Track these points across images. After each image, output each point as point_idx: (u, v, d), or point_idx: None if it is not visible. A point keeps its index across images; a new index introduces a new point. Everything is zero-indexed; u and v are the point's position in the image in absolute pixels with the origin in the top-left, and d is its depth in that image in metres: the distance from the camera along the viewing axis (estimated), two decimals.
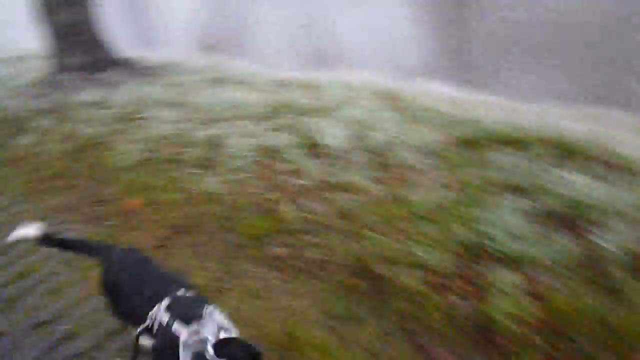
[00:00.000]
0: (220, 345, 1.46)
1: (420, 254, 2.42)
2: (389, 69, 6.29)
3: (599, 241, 2.32)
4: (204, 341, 1.50)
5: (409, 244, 2.45)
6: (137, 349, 1.75)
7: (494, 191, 2.74)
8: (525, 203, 2.63)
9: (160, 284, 1.85)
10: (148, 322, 1.70)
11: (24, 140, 4.56)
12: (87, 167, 3.98)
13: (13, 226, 2.09)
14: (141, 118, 4.53)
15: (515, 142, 3.20)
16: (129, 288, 1.86)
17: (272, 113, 4.15)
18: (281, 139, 3.62)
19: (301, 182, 3.20)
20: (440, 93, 4.33)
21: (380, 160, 3.27)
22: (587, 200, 2.56)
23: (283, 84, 5.03)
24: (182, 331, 1.57)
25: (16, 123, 4.92)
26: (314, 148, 3.49)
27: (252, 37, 10.65)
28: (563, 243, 2.34)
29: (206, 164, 3.55)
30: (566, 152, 3.04)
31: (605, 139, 3.05)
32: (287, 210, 2.90)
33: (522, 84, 6.25)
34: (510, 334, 1.98)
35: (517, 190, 2.75)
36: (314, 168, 3.26)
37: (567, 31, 7.28)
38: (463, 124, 3.48)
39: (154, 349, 1.71)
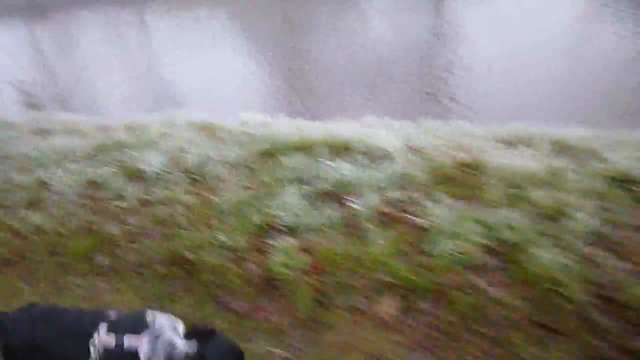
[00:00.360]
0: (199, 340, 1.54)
1: (223, 239, 3.13)
2: (224, 106, 7.19)
3: (354, 206, 3.26)
4: (172, 344, 1.52)
5: (214, 233, 3.17)
6: None
7: (282, 184, 3.64)
8: (304, 189, 3.50)
9: (82, 319, 1.75)
10: (93, 355, 1.60)
11: None
12: None
13: None
14: None
15: (302, 148, 4.14)
16: (51, 339, 1.70)
17: (96, 152, 4.59)
18: (104, 172, 4.09)
19: (124, 204, 3.71)
20: (256, 120, 5.21)
21: (193, 176, 3.94)
22: (347, 179, 3.52)
23: (109, 129, 5.47)
24: (139, 343, 1.57)
25: None
26: (134, 175, 4.03)
27: (90, 90, 10.86)
28: (329, 212, 3.25)
29: (33, 203, 3.86)
30: (339, 149, 4.07)
31: (371, 138, 4.15)
32: (110, 227, 3.40)
33: (352, 105, 7.71)
34: (289, 280, 2.76)
35: (300, 181, 3.64)
36: (134, 191, 3.80)
37: (389, 64, 9.17)
38: (264, 140, 4.34)
39: None
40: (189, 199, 3.65)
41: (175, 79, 11.29)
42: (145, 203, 3.70)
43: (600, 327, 2.27)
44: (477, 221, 2.95)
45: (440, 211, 3.08)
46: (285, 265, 2.82)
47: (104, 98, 10.89)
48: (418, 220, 3.07)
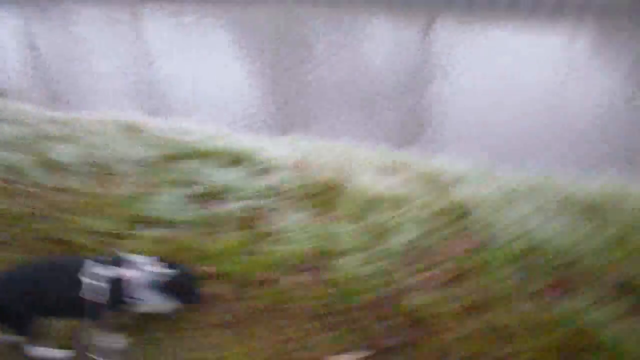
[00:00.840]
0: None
1: (98, 224, 3.71)
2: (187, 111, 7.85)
3: (219, 208, 3.99)
4: (154, 270, 2.34)
5: (91, 220, 3.73)
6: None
7: (169, 185, 4.26)
8: (185, 191, 4.11)
9: (68, 261, 2.50)
10: (84, 285, 2.25)
11: None
12: None
13: None
14: None
15: (202, 155, 4.77)
16: (47, 283, 2.28)
17: (23, 141, 5.20)
18: (22, 160, 4.68)
19: (32, 189, 4.30)
20: (185, 127, 5.87)
21: (100, 170, 4.54)
22: (224, 186, 4.14)
23: (50, 121, 6.08)
24: (121, 272, 2.28)
25: None
26: (49, 164, 4.63)
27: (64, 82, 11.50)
28: (197, 211, 3.88)
29: None
30: (236, 160, 4.80)
31: (269, 153, 4.89)
32: (14, 209, 3.99)
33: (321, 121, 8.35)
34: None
35: (185, 184, 4.24)
36: (44, 178, 4.39)
37: (375, 87, 9.92)
38: (174, 146, 4.96)
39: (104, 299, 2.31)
40: (87, 189, 4.23)
41: (154, 78, 11.90)
42: (51, 189, 4.27)
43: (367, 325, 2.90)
44: (313, 230, 3.56)
45: (289, 220, 3.69)
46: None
47: (74, 91, 11.51)
48: (265, 226, 3.66)
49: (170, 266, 2.49)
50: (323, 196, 4.03)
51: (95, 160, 4.64)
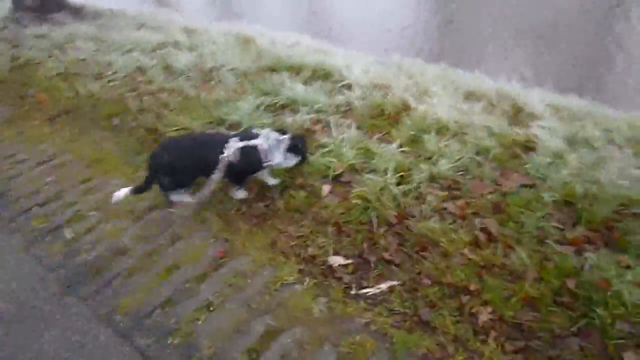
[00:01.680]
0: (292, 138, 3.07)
1: (187, 121, 4.46)
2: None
3: (289, 118, 4.32)
4: (279, 138, 3.05)
5: (185, 117, 4.46)
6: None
7: (256, 94, 4.73)
8: (265, 99, 4.64)
9: (216, 135, 3.43)
10: (228, 154, 2.97)
11: None
12: (22, 77, 6.08)
13: None
14: (70, 47, 6.59)
15: (293, 69, 5.20)
16: (202, 151, 3.10)
17: (157, 47, 6.19)
18: (150, 62, 5.65)
19: (150, 87, 5.24)
20: (295, 42, 6.34)
21: (204, 76, 5.29)
22: (298, 96, 4.57)
23: (186, 30, 7.03)
24: (258, 142, 2.98)
25: None
26: (168, 68, 5.53)
27: None
28: (270, 116, 4.36)
29: (96, 76, 5.61)
30: (321, 75, 5.05)
31: (350, 71, 5.03)
32: (131, 102, 4.92)
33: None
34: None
35: (267, 93, 4.77)
36: (160, 79, 5.29)
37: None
38: (273, 58, 5.47)
39: (240, 167, 3.07)
40: (188, 92, 4.99)
41: None
42: (163, 89, 5.15)
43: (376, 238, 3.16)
44: (360, 149, 3.76)
45: (346, 135, 3.93)
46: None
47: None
48: (322, 138, 3.98)
49: (285, 133, 3.15)
50: (387, 118, 4.12)
51: (203, 68, 5.27)
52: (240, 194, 3.36)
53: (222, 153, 2.93)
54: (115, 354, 2.51)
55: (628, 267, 2.58)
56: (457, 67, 5.44)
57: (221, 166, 2.94)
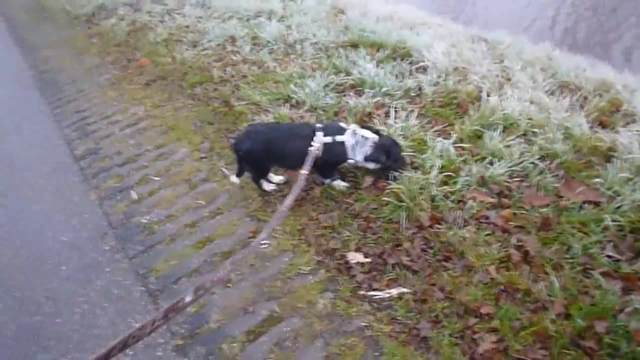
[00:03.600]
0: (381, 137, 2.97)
1: (257, 97, 4.71)
2: None
3: (364, 98, 4.27)
4: (368, 138, 2.94)
5: (256, 92, 4.67)
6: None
7: (327, 71, 4.75)
8: (336, 78, 4.70)
9: (304, 127, 3.15)
10: (315, 148, 2.92)
11: (109, 21, 7.52)
12: (135, 40, 6.78)
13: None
14: (179, 13, 7.16)
15: (375, 46, 5.17)
16: (283, 139, 3.09)
17: (253, 16, 6.47)
18: (241, 32, 5.94)
19: (235, 57, 5.57)
20: (391, 16, 6.21)
21: (286, 49, 5.48)
22: (366, 76, 4.57)
23: None
24: (345, 138, 2.94)
25: (109, 11, 7.94)
26: (254, 39, 5.79)
27: None
28: (335, 97, 4.39)
29: (193, 44, 6.07)
30: (401, 54, 4.91)
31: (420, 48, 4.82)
32: (215, 72, 5.24)
33: None
34: None
35: (340, 71, 4.83)
36: (246, 51, 5.58)
37: None
38: (357, 33, 5.48)
39: (325, 161, 3.05)
40: (269, 65, 5.18)
41: None
42: (247, 61, 5.43)
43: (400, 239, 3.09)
44: (414, 140, 3.66)
45: (404, 122, 3.83)
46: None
47: None
48: (377, 123, 3.89)
49: (378, 134, 3.12)
50: (455, 107, 3.94)
51: (286, 40, 5.42)
52: (340, 185, 3.31)
53: (306, 147, 2.95)
54: (141, 311, 2.84)
55: None
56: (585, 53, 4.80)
57: (309, 160, 2.88)
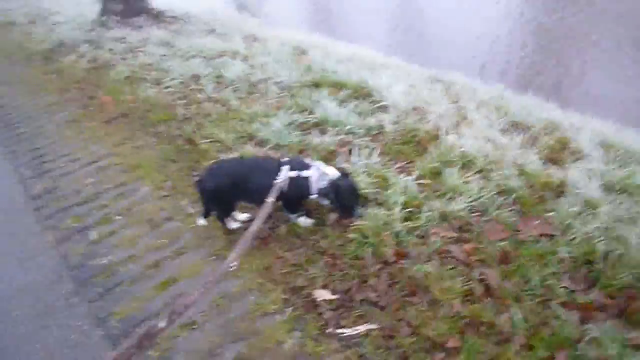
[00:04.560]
0: (341, 176, 2.95)
1: (222, 135, 4.73)
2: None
3: (328, 136, 4.36)
4: (327, 174, 2.96)
5: (220, 130, 4.71)
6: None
7: (290, 110, 4.86)
8: (300, 117, 4.78)
9: (268, 164, 3.12)
10: (281, 181, 2.92)
11: (69, 58, 7.43)
12: (96, 78, 6.72)
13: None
14: (141, 51, 7.16)
15: (332, 85, 5.30)
16: (251, 177, 3.07)
17: (217, 55, 6.55)
18: (204, 71, 6.00)
19: (199, 96, 5.59)
20: (350, 53, 6.43)
21: (249, 88, 5.55)
22: (330, 116, 4.66)
23: (252, 38, 7.37)
24: (309, 174, 2.95)
25: (69, 47, 7.86)
26: (219, 79, 5.85)
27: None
28: (299, 135, 4.46)
29: (156, 82, 6.07)
30: (360, 94, 5.09)
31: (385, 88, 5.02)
32: (178, 110, 5.26)
33: None
34: None
35: (303, 110, 4.91)
36: (210, 89, 5.62)
37: None
38: (319, 73, 5.61)
39: (290, 195, 3.06)
40: (233, 103, 5.25)
41: None
42: (211, 99, 5.46)
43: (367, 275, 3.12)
44: (377, 177, 3.74)
45: (366, 160, 3.94)
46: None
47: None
48: (342, 162, 3.99)
49: (344, 173, 3.12)
50: (415, 145, 4.05)
51: (250, 80, 5.50)
52: (304, 222, 3.33)
53: (272, 180, 2.97)
54: (101, 358, 2.69)
55: (638, 347, 2.30)
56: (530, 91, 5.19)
57: (273, 191, 2.90)
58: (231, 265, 2.47)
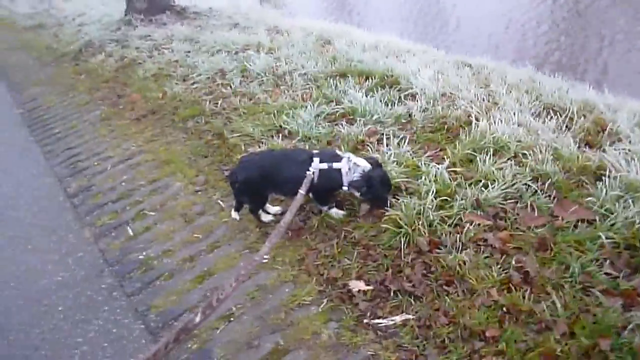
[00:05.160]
0: (373, 168, 2.92)
1: (249, 129, 4.76)
2: None
3: (356, 126, 4.31)
4: (359, 166, 2.90)
5: (248, 124, 4.73)
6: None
7: (318, 101, 4.81)
8: (327, 108, 4.78)
9: (300, 154, 3.13)
10: (311, 174, 2.91)
11: (97, 58, 7.58)
12: (124, 76, 6.84)
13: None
14: (167, 48, 7.26)
15: (358, 74, 5.27)
16: (280, 166, 3.10)
17: (241, 49, 6.59)
18: (230, 65, 6.04)
19: (226, 90, 5.64)
20: (378, 42, 6.37)
21: (275, 80, 5.56)
22: (357, 105, 4.65)
23: (275, 30, 7.38)
24: (341, 165, 2.93)
25: (96, 47, 8.02)
26: (245, 72, 5.89)
27: None
28: (327, 126, 4.43)
29: (183, 78, 6.15)
30: (390, 83, 5.00)
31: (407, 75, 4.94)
32: (207, 105, 5.29)
33: None
34: None
35: (331, 101, 4.90)
36: (237, 83, 5.65)
37: None
38: (344, 63, 5.59)
39: (321, 187, 3.06)
40: (259, 96, 5.28)
41: None
42: (238, 93, 5.49)
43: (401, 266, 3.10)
44: (408, 166, 3.70)
45: (395, 150, 3.88)
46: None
47: None
48: (370, 151, 3.94)
49: (376, 163, 3.11)
50: (446, 132, 4.01)
51: (275, 72, 5.51)
52: (338, 213, 3.31)
53: (303, 172, 2.96)
54: (143, 350, 2.77)
55: None
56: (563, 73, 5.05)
57: (306, 182, 2.88)
58: (264, 258, 2.48)
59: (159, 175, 4.27)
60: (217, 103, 5.09)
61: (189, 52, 6.61)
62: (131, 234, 3.62)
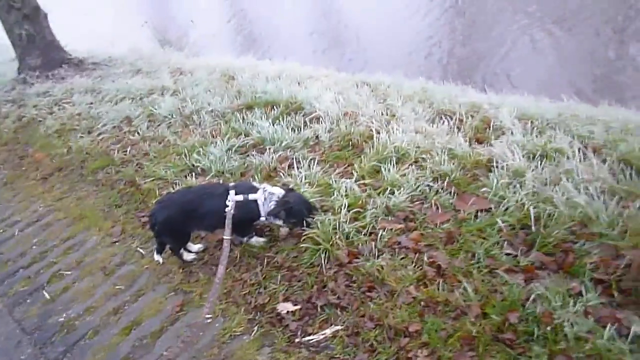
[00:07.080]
0: (286, 193, 3.00)
1: (162, 172, 4.65)
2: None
3: (267, 155, 4.37)
4: (274, 194, 2.99)
5: (160, 167, 4.63)
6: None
7: (227, 136, 4.85)
8: (237, 141, 4.78)
9: (216, 189, 3.16)
10: (230, 205, 2.96)
11: None
12: (25, 136, 6.47)
13: None
14: (68, 102, 6.97)
15: (264, 105, 5.34)
16: (201, 203, 3.10)
17: (145, 94, 6.46)
18: (135, 112, 5.90)
19: (134, 137, 5.48)
20: (277, 70, 6.49)
21: (183, 121, 5.50)
22: (265, 135, 4.68)
23: (179, 71, 7.31)
24: (257, 196, 2.99)
25: None
26: (151, 116, 5.77)
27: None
28: (239, 159, 4.45)
29: (88, 130, 5.92)
30: (293, 109, 5.14)
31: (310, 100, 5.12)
32: (116, 154, 5.13)
33: None
34: None
35: (239, 134, 4.91)
36: (145, 129, 5.52)
37: None
38: (250, 96, 5.64)
39: (239, 219, 3.04)
40: (169, 139, 5.19)
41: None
42: (146, 138, 5.37)
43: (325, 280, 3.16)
44: (320, 185, 3.83)
45: (307, 171, 3.98)
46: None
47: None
48: (285, 176, 4.05)
49: (289, 189, 3.18)
50: (352, 148, 4.16)
51: (183, 113, 5.47)
52: (257, 241, 3.37)
53: (222, 205, 3.00)
54: None
55: (579, 294, 2.47)
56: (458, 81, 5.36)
57: (229, 223, 2.96)
58: (207, 317, 2.47)
59: (72, 233, 4.08)
60: (126, 151, 4.97)
61: (91, 103, 6.41)
62: (48, 297, 3.42)
